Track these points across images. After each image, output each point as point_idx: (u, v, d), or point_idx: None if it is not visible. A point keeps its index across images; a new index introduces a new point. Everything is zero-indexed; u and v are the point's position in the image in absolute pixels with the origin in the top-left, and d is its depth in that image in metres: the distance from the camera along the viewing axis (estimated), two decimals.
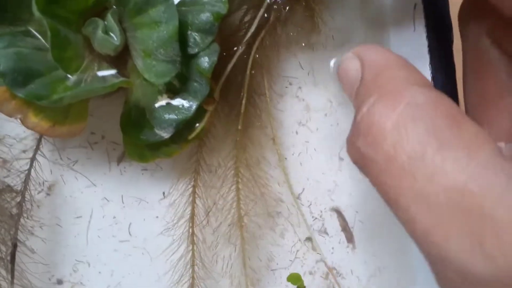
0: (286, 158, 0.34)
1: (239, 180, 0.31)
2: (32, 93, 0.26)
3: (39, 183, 0.32)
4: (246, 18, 0.29)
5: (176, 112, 0.27)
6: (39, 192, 0.32)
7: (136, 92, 0.28)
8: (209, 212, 0.32)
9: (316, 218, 0.34)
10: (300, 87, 0.34)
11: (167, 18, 0.25)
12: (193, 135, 0.28)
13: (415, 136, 0.18)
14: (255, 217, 0.32)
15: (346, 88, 0.23)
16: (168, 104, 0.27)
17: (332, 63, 0.27)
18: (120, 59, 0.29)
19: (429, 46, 0.29)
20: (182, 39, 0.26)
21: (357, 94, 0.21)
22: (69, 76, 0.27)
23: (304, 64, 0.34)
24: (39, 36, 0.28)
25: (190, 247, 0.31)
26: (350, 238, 0.34)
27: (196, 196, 0.31)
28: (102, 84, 0.26)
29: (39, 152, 0.31)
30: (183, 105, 0.27)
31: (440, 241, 0.17)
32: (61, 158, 0.33)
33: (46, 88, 0.26)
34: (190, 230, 0.30)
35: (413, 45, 0.29)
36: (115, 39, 0.27)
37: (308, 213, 0.34)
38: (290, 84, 0.34)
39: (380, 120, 0.18)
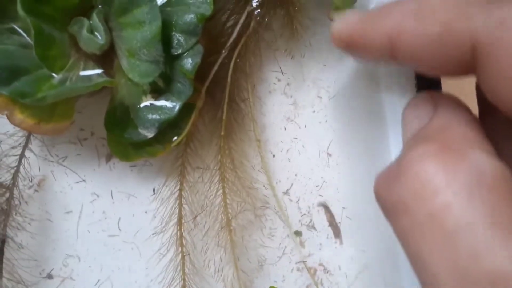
0: (274, 155, 0.34)
1: (225, 185, 0.31)
2: (17, 91, 0.26)
3: (29, 178, 0.32)
4: (229, 23, 0.29)
5: (160, 112, 0.27)
6: (29, 188, 0.33)
7: (121, 91, 0.28)
8: (196, 216, 0.32)
9: (304, 214, 0.34)
10: (288, 84, 0.34)
11: (150, 18, 0.25)
12: (178, 140, 0.28)
13: (470, 205, 0.16)
14: (243, 219, 0.33)
15: (406, 123, 0.22)
16: (152, 104, 0.28)
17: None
18: (106, 58, 0.29)
19: None
20: (166, 39, 0.26)
21: (416, 135, 0.20)
22: (54, 74, 0.27)
23: (284, 69, 0.34)
24: (25, 34, 0.28)
25: (179, 250, 0.31)
26: (337, 234, 0.34)
27: (183, 199, 0.31)
28: (86, 83, 0.26)
29: (28, 148, 0.31)
30: (166, 106, 0.27)
31: None
32: (50, 154, 0.33)
33: (31, 86, 0.27)
34: (178, 233, 0.31)
35: None
36: (100, 38, 0.27)
37: (296, 209, 0.34)
38: (279, 80, 0.34)
39: (435, 174, 0.17)
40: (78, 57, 0.28)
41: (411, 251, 0.17)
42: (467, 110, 0.21)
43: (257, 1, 0.28)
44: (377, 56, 0.21)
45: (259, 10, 0.28)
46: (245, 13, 0.29)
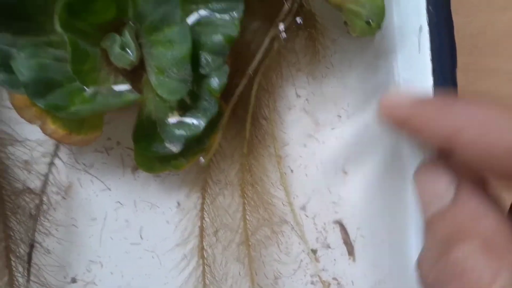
0: (292, 171, 0.35)
1: (245, 201, 0.32)
2: (52, 104, 0.27)
3: (57, 185, 0.34)
4: (254, 43, 0.30)
5: (186, 128, 0.28)
6: (56, 194, 0.34)
7: (149, 105, 0.30)
8: (217, 231, 0.33)
9: (319, 231, 0.35)
10: (308, 102, 0.35)
11: (181, 39, 0.26)
12: (206, 162, 0.30)
13: None
14: (261, 234, 0.34)
15: (424, 200, 0.24)
16: (178, 120, 0.29)
17: None
18: (135, 72, 0.30)
19: (433, 69, 0.29)
20: (194, 58, 0.27)
21: (446, 222, 0.22)
22: (85, 88, 0.28)
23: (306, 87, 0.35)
24: (59, 47, 0.29)
25: (201, 262, 0.32)
26: (351, 251, 0.35)
27: (205, 213, 0.32)
28: (117, 99, 0.28)
29: (57, 156, 0.33)
30: (193, 122, 0.28)
31: None
32: (77, 162, 0.34)
33: (64, 99, 0.28)
34: (200, 246, 0.32)
35: (417, 68, 0.30)
36: (131, 54, 0.28)
37: (312, 225, 0.35)
38: (299, 97, 0.35)
39: (484, 272, 0.19)
40: (108, 71, 0.30)
41: None
42: (483, 194, 0.22)
43: (283, 24, 0.29)
44: (432, 142, 0.23)
45: (283, 32, 0.29)
46: (270, 35, 0.29)
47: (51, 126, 0.30)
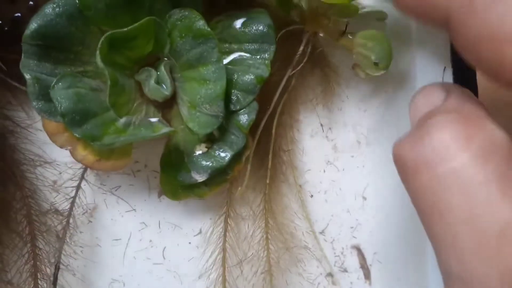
0: (312, 196, 0.36)
1: (268, 231, 0.33)
2: (87, 134, 0.28)
3: (83, 206, 0.35)
4: (274, 81, 0.31)
5: (213, 160, 0.30)
6: (83, 213, 0.35)
7: (178, 136, 0.31)
8: (241, 261, 0.34)
9: (337, 255, 0.36)
10: (330, 128, 0.36)
11: (216, 78, 0.27)
12: (240, 193, 0.31)
13: (484, 168, 0.19)
14: (283, 261, 0.35)
15: (417, 106, 0.24)
16: (206, 151, 0.30)
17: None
18: (166, 103, 0.31)
19: None
20: (226, 96, 0.28)
21: (431, 111, 0.22)
22: (119, 118, 0.29)
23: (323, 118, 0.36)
24: (95, 77, 0.30)
25: None
26: (367, 276, 0.36)
27: (227, 244, 0.33)
28: (149, 129, 0.29)
29: (84, 178, 0.34)
30: (219, 154, 0.30)
31: (467, 261, 0.19)
32: (104, 184, 0.35)
33: (98, 129, 0.29)
34: (222, 277, 0.33)
35: None
36: (165, 89, 0.29)
37: (331, 249, 0.36)
38: (320, 125, 0.36)
39: (456, 139, 0.20)
40: (141, 101, 0.31)
41: (428, 205, 0.20)
42: (474, 96, 0.23)
43: (295, 64, 0.31)
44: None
45: (298, 70, 0.31)
46: (287, 73, 0.31)
47: (82, 152, 0.31)
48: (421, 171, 0.20)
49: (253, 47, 0.29)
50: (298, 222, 0.35)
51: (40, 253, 0.33)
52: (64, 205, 0.34)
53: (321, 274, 0.36)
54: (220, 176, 0.31)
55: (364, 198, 0.36)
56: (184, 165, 0.31)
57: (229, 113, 0.29)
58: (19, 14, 0.32)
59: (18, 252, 0.33)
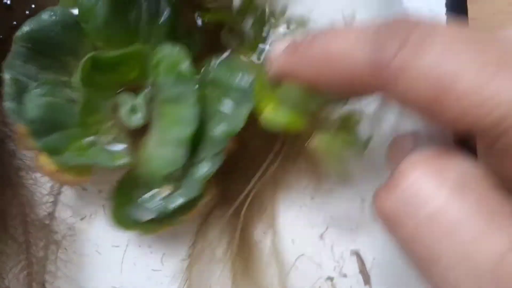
0: (313, 197, 0.36)
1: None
2: (49, 145, 0.28)
3: (82, 212, 0.34)
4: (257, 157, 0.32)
5: (164, 201, 0.29)
6: (81, 219, 0.35)
7: (139, 167, 0.30)
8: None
9: (337, 260, 0.35)
10: None
11: (188, 121, 0.27)
12: None
13: (462, 205, 0.19)
14: None
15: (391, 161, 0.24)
16: (160, 191, 0.30)
17: None
18: (139, 131, 0.30)
19: None
20: (195, 142, 0.28)
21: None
22: (85, 137, 0.29)
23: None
24: (77, 89, 0.30)
25: None
26: (367, 280, 0.35)
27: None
28: (107, 158, 0.29)
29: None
30: (172, 196, 0.29)
31: None
32: (102, 190, 0.35)
33: (62, 143, 0.29)
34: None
35: None
36: (139, 118, 0.29)
37: (330, 253, 0.35)
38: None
39: (428, 182, 0.19)
40: (113, 123, 0.30)
41: (420, 255, 0.20)
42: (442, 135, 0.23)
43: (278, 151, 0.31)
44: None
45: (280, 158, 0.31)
46: (269, 157, 0.32)
47: (44, 160, 0.30)
48: (404, 222, 0.20)
49: (235, 99, 0.29)
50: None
51: (35, 261, 0.32)
52: (62, 210, 0.34)
53: (320, 278, 0.35)
54: (168, 218, 0.31)
55: (363, 200, 0.35)
56: (135, 199, 0.30)
57: (194, 159, 0.29)
58: (15, 23, 0.32)
59: (15, 258, 0.32)
